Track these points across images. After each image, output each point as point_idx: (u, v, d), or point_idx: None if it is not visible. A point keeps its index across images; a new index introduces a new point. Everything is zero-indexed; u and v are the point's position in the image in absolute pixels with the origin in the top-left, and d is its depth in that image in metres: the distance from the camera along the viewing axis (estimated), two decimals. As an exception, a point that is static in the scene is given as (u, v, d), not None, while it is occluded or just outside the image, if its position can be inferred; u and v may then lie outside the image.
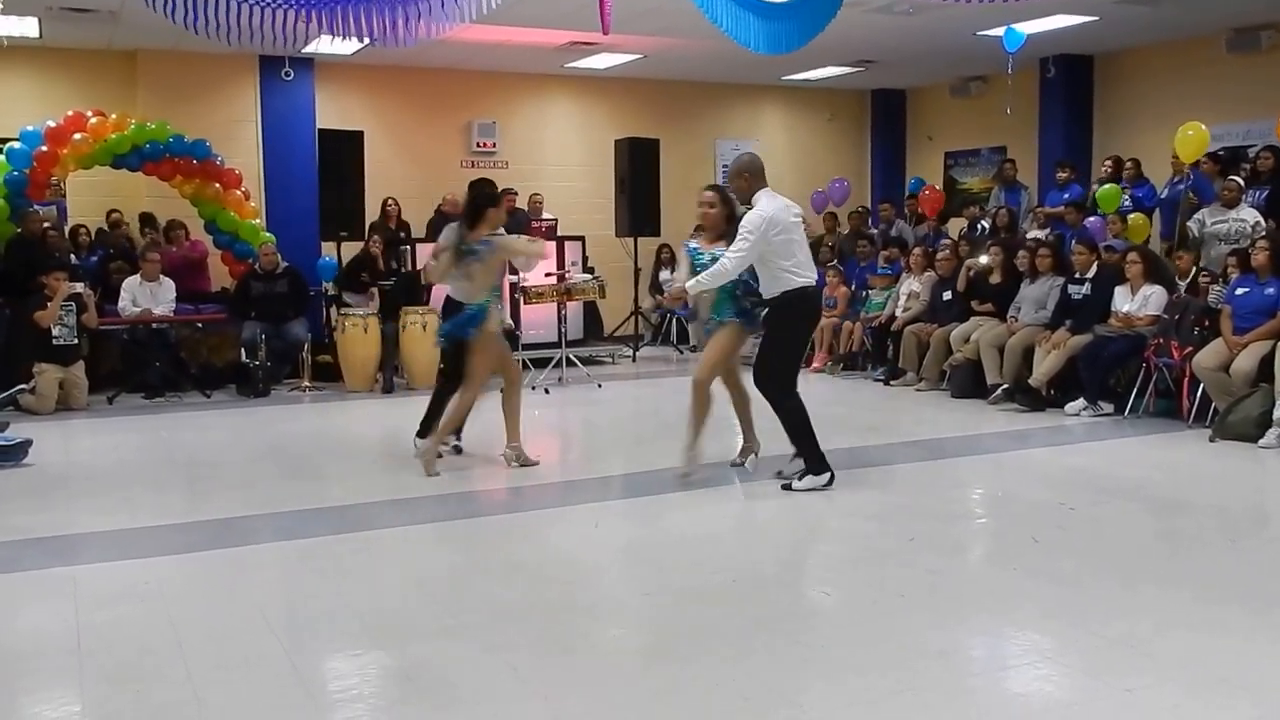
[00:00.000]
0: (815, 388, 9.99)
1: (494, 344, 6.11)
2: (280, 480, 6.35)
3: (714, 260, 5.57)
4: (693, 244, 6.04)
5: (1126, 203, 10.05)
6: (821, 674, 3.35)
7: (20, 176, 9.39)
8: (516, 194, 11.82)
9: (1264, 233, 8.24)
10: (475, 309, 5.99)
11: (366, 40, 6.40)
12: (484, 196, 6.06)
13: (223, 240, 10.51)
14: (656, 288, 12.55)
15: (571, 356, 10.01)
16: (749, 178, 5.67)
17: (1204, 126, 9.14)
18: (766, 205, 5.54)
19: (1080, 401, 7.91)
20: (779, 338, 5.72)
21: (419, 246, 10.84)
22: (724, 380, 6.00)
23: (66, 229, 10.57)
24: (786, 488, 5.66)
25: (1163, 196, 9.88)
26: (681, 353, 12.03)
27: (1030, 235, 10.01)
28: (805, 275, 5.63)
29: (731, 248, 5.51)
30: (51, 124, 9.57)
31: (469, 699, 3.19)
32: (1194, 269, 8.35)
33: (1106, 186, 10.19)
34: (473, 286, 6.00)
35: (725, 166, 14.35)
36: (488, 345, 6.03)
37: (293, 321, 9.89)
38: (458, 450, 6.71)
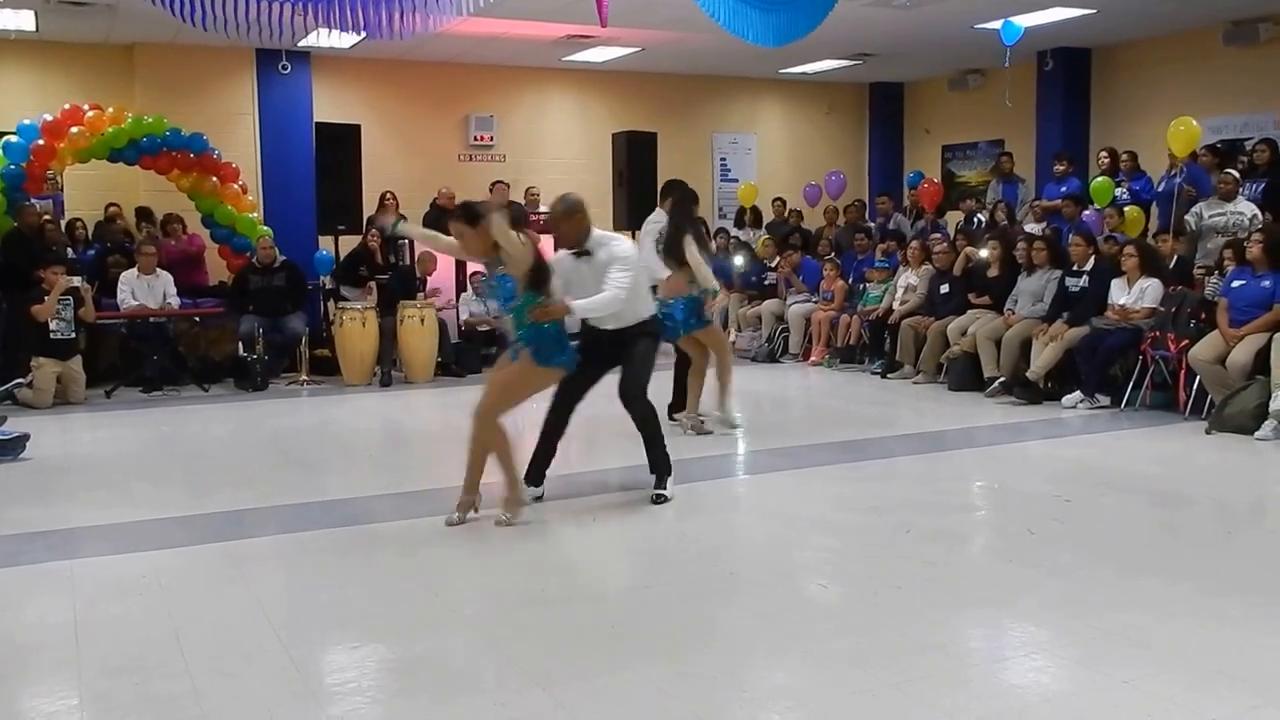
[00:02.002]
0: (813, 381, 10.02)
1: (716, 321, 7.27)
2: (279, 474, 6.35)
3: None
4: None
5: (1124, 196, 10.06)
6: (819, 666, 3.36)
7: (17, 170, 9.37)
8: (509, 186, 11.81)
9: (1260, 226, 8.25)
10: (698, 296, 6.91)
11: (362, 34, 6.40)
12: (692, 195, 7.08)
13: (220, 234, 10.49)
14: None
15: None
16: (581, 217, 5.24)
17: (1195, 121, 9.18)
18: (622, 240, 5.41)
19: (1077, 394, 7.92)
20: (650, 356, 5.49)
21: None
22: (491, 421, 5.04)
23: (63, 223, 10.56)
24: (661, 500, 5.31)
25: (1159, 190, 9.89)
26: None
27: (1027, 229, 10.02)
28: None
29: (616, 277, 5.07)
30: (48, 118, 9.56)
31: (468, 691, 3.20)
32: (1176, 256, 8.40)
33: (1099, 179, 10.20)
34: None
35: (723, 160, 14.38)
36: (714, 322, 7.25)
37: (290, 315, 9.89)
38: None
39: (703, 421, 7.18)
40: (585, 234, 5.24)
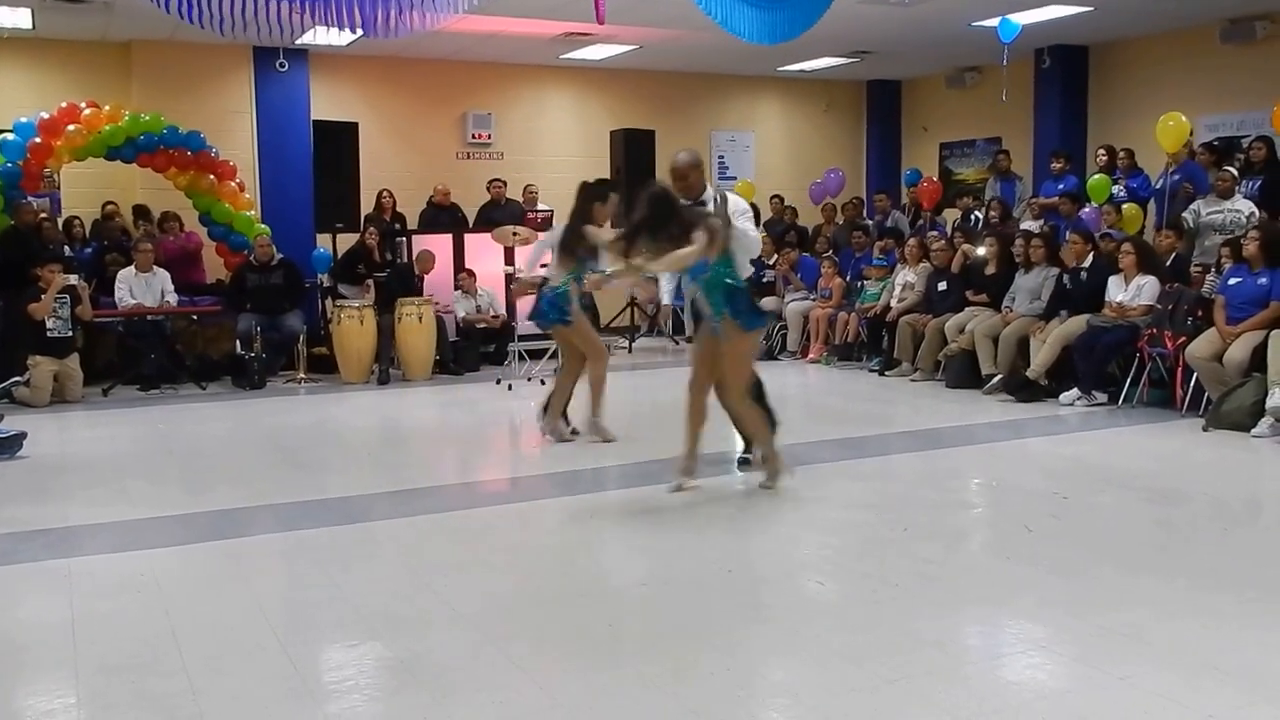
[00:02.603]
0: (811, 379, 10.02)
1: (582, 320, 6.83)
2: (277, 472, 6.35)
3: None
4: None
5: (1121, 193, 10.06)
6: (817, 663, 3.36)
7: (14, 168, 9.36)
8: (505, 183, 11.81)
9: (1257, 223, 8.26)
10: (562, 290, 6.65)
11: (359, 32, 6.40)
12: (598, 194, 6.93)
13: (217, 232, 10.49)
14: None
15: (567, 348, 10.01)
16: (703, 169, 5.82)
17: (1184, 117, 9.20)
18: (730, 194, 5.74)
19: (1074, 391, 7.92)
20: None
21: (414, 238, 10.86)
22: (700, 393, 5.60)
23: (60, 221, 10.56)
24: (745, 465, 5.91)
25: (1156, 187, 9.90)
26: (677, 343, 12.02)
27: (1024, 226, 10.02)
28: None
29: (746, 226, 5.59)
30: (45, 115, 9.55)
31: (466, 689, 3.20)
32: (1174, 252, 8.42)
33: (1096, 177, 10.20)
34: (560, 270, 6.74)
35: (721, 157, 14.37)
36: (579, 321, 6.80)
37: (288, 313, 9.89)
38: (575, 433, 6.97)
39: (568, 426, 6.98)
40: (703, 187, 5.72)
